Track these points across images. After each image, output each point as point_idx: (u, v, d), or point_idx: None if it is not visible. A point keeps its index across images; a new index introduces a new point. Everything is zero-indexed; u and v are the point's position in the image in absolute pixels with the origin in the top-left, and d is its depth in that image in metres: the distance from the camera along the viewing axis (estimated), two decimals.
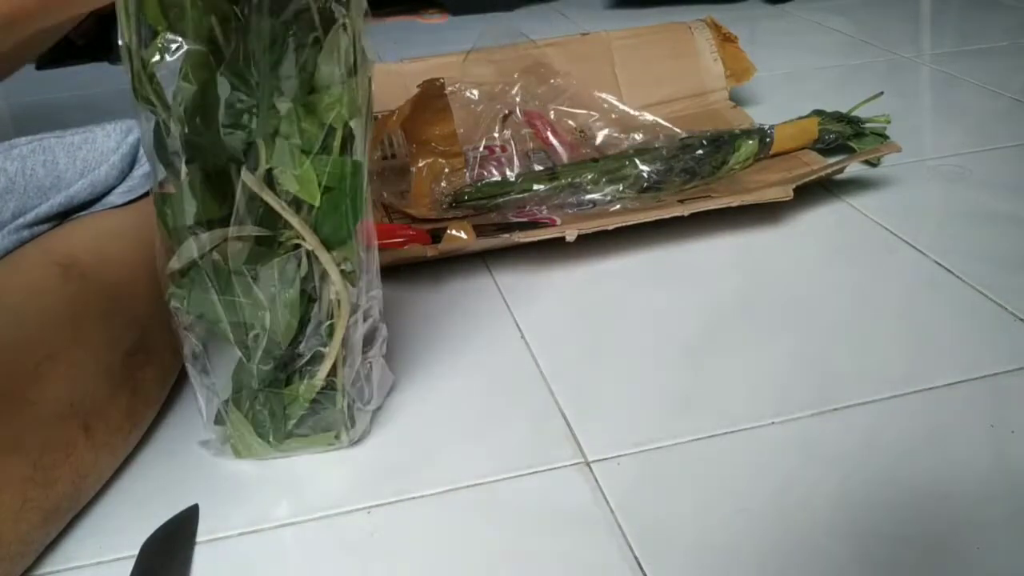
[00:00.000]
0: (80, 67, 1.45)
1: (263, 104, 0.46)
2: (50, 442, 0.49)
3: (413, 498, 0.52)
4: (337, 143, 0.48)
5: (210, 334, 0.51)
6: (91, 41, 1.48)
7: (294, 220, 0.48)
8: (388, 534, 0.50)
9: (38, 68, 1.44)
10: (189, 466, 0.55)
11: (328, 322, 0.51)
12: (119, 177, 0.62)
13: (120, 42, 0.44)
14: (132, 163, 0.62)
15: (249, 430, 0.54)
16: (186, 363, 0.53)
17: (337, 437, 0.55)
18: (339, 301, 0.51)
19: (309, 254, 0.49)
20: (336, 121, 0.47)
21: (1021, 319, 0.65)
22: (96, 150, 0.61)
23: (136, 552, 0.49)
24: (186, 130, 0.45)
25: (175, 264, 0.48)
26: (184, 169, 0.46)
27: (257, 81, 0.45)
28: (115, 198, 0.62)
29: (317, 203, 0.48)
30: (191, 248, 0.48)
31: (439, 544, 0.49)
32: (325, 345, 0.52)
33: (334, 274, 0.50)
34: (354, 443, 0.56)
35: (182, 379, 0.62)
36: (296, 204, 0.48)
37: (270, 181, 0.47)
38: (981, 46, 1.26)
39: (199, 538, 0.50)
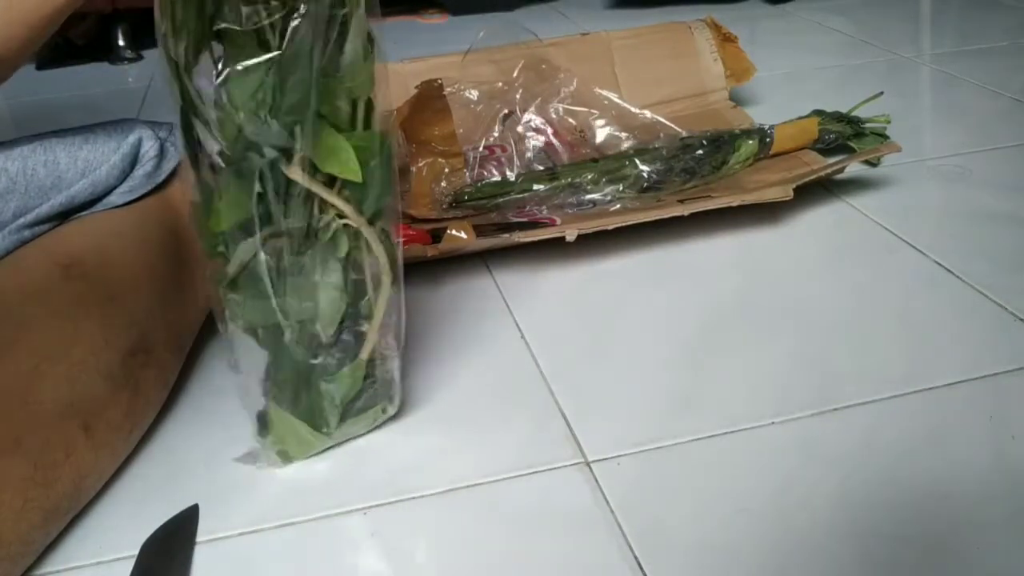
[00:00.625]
0: (80, 67, 1.45)
1: (312, 87, 0.46)
2: (50, 442, 0.49)
3: (413, 498, 0.52)
4: (361, 117, 0.48)
5: (267, 338, 0.51)
6: (91, 41, 1.49)
7: (338, 201, 0.48)
8: (388, 534, 0.50)
9: (38, 68, 1.44)
10: (189, 466, 0.55)
11: (366, 297, 0.52)
12: (120, 177, 0.62)
13: (164, 58, 0.44)
14: (133, 163, 0.62)
15: (303, 427, 0.54)
16: (232, 370, 0.52)
17: (384, 411, 0.56)
18: (381, 273, 0.51)
19: (353, 232, 0.50)
20: (362, 96, 0.48)
21: (1021, 319, 0.65)
22: (97, 150, 0.61)
23: (136, 552, 0.49)
24: (243, 126, 0.44)
25: (232, 269, 0.48)
26: (227, 172, 0.46)
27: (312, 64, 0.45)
28: (116, 198, 0.62)
29: (360, 179, 0.48)
30: (245, 251, 0.48)
31: (439, 544, 0.49)
32: (367, 318, 0.52)
33: (376, 247, 0.50)
34: (395, 416, 0.57)
35: (182, 379, 0.62)
36: (328, 186, 0.48)
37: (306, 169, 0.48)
38: (981, 46, 1.26)
39: (199, 538, 0.50)
